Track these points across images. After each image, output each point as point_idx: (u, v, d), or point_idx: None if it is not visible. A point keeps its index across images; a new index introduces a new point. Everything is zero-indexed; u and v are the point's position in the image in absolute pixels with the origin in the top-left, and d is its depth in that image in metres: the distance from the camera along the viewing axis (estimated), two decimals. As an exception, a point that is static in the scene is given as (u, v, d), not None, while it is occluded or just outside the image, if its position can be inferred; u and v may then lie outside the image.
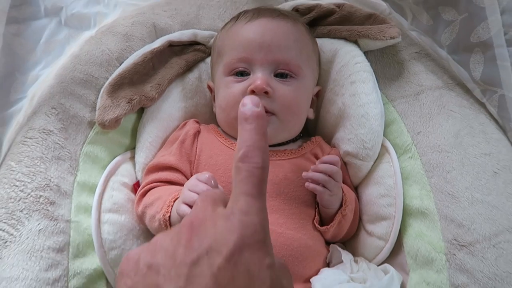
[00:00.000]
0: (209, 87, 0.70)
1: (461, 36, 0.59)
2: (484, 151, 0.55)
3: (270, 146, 0.58)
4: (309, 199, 0.60)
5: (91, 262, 0.54)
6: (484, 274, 0.48)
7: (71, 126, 0.60)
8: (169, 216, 0.52)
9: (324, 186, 0.57)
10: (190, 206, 0.49)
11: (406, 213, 0.58)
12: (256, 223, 0.29)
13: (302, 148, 0.64)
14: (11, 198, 0.52)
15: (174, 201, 0.53)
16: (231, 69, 0.63)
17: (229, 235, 0.28)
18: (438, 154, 0.57)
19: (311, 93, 0.67)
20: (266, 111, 0.60)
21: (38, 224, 0.52)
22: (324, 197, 0.58)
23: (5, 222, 0.50)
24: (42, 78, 0.63)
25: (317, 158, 0.63)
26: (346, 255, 0.58)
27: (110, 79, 0.63)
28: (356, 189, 0.66)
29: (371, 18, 0.68)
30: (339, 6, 0.70)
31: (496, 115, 0.59)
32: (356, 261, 0.59)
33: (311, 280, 0.54)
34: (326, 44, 0.70)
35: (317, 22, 0.71)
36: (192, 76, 0.70)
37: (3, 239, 0.50)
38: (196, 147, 0.63)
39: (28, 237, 0.50)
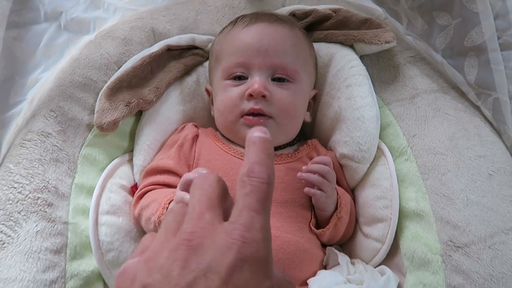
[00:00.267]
0: (207, 91, 0.71)
1: (455, 41, 0.60)
2: (479, 154, 0.56)
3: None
4: (306, 202, 0.61)
5: (89, 264, 0.54)
6: (479, 275, 0.48)
7: (69, 128, 0.61)
8: None
9: (319, 188, 0.57)
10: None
11: (402, 215, 0.58)
12: (258, 241, 0.27)
13: (298, 152, 0.65)
14: (9, 200, 0.52)
15: (169, 203, 0.53)
16: (229, 74, 0.63)
17: (228, 253, 0.27)
18: (434, 156, 0.58)
19: (308, 97, 0.68)
20: (264, 114, 0.61)
21: (36, 225, 0.52)
22: (320, 199, 0.58)
23: (3, 224, 0.51)
24: (42, 82, 0.63)
25: (313, 161, 0.64)
26: (342, 257, 0.58)
27: (108, 82, 0.64)
28: (352, 191, 0.67)
29: (367, 23, 0.68)
30: (335, 11, 0.71)
31: (491, 118, 0.59)
32: (353, 263, 0.59)
33: (308, 281, 0.54)
34: (322, 49, 0.70)
35: (313, 26, 0.72)
36: (190, 79, 0.71)
37: (0, 241, 0.50)
38: (195, 151, 0.63)
39: (25, 239, 0.50)
